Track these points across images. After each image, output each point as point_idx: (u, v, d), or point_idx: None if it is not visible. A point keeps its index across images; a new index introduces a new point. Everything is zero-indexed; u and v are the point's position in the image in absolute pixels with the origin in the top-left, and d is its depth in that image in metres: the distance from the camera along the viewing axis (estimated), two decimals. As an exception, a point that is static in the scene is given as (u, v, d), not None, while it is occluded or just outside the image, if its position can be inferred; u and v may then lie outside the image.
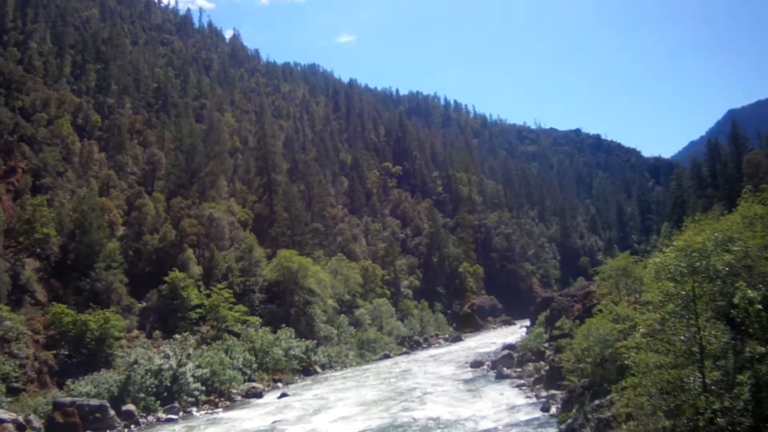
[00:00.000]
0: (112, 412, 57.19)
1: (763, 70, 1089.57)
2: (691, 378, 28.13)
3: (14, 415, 52.02)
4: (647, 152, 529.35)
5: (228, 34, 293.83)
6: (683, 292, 28.55)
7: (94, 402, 56.77)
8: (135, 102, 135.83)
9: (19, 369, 59.10)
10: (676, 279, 29.30)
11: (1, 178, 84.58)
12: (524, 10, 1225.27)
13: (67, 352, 67.00)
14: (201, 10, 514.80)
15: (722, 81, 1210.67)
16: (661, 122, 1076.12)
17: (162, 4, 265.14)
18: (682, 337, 28.83)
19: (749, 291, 27.23)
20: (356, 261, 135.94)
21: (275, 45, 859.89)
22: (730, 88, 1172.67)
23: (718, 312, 29.16)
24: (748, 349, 26.94)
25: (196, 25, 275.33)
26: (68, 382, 61.98)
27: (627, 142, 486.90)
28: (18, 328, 62.17)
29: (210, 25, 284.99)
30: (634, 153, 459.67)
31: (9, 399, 55.58)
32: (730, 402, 25.92)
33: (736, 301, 27.66)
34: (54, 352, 66.02)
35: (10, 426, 50.19)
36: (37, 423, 52.89)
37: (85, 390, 60.00)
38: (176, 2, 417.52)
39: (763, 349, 25.98)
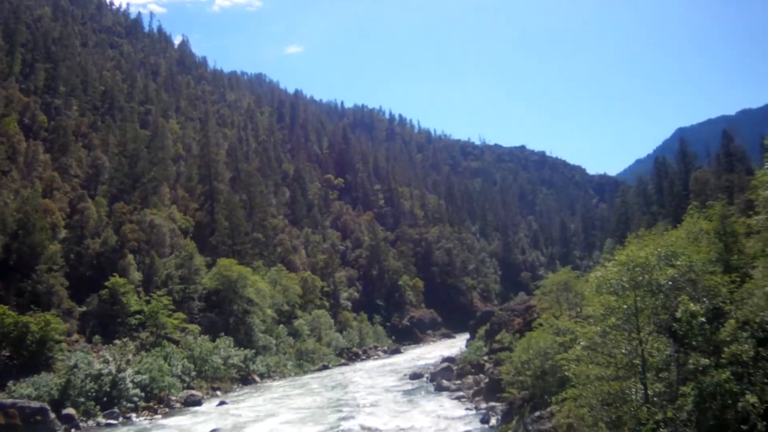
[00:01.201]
0: (52, 415, 56.85)
1: (712, 89, 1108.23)
2: (633, 389, 28.33)
3: (-45, 415, 51.89)
4: (592, 170, 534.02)
5: (177, 40, 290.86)
6: (625, 306, 28.88)
7: (35, 404, 56.46)
8: (82, 104, 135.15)
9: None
10: (617, 293, 29.64)
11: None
12: (471, 26, 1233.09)
13: (8, 354, 66.58)
14: (152, 14, 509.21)
15: (671, 100, 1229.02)
16: (608, 140, 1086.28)
17: (114, 7, 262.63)
18: (624, 350, 29.05)
19: (692, 305, 27.74)
20: (296, 272, 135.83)
21: (224, 52, 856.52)
22: (679, 107, 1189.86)
23: (660, 326, 29.52)
24: (691, 361, 27.32)
25: (146, 29, 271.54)
26: (9, 383, 61.59)
27: (572, 160, 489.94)
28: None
29: (160, 30, 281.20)
30: (578, 170, 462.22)
31: (-50, 399, 55.25)
32: (673, 413, 26.24)
33: (678, 314, 28.12)
34: (-5, 353, 65.71)
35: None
36: (-22, 423, 52.53)
37: (26, 392, 59.85)
38: (128, 5, 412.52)
39: (706, 361, 26.32)
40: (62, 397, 61.44)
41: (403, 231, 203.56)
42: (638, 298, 28.86)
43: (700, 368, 26.42)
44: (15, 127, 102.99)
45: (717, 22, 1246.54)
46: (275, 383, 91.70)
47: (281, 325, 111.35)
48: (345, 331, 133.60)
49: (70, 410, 60.17)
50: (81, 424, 60.06)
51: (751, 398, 24.99)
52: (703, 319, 27.34)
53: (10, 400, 56.24)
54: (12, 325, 66.83)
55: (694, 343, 27.71)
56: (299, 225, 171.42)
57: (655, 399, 27.68)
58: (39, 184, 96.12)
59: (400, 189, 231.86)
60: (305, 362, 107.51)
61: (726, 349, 26.48)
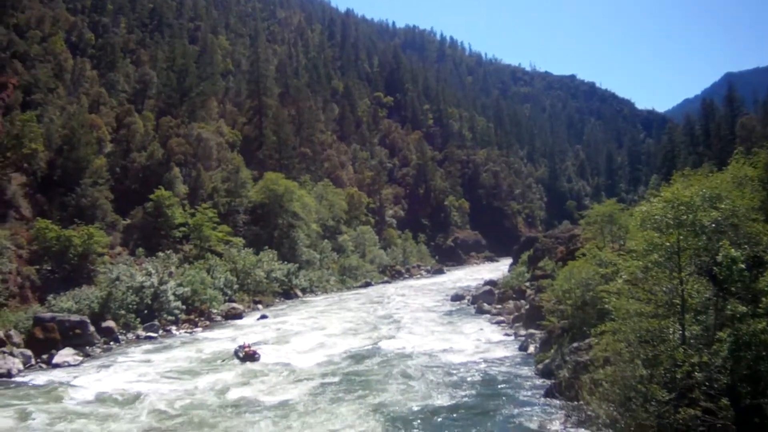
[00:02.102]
0: (92, 328, 56.64)
1: (763, 37, 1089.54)
2: (671, 329, 27.71)
3: (-6, 330, 52.08)
4: (641, 105, 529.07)
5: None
6: (668, 244, 28.27)
7: (75, 318, 56.09)
8: (129, 22, 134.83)
9: (1, 284, 58.82)
10: (661, 229, 28.98)
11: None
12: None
13: (49, 268, 66.46)
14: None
15: (722, 43, 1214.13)
16: (658, 77, 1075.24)
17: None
18: (664, 288, 28.47)
19: (732, 250, 27.09)
20: (342, 187, 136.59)
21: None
22: (730, 52, 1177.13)
23: (701, 267, 28.73)
24: (729, 307, 26.63)
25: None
26: (50, 297, 61.25)
27: (621, 93, 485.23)
28: (2, 242, 61.88)
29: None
30: (627, 104, 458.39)
31: (-10, 314, 55.37)
32: (708, 357, 25.68)
33: (719, 258, 27.52)
34: (37, 267, 65.53)
35: (-10, 341, 50.24)
36: (18, 338, 51.93)
37: (66, 306, 59.39)
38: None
39: (744, 309, 25.52)
40: (102, 310, 61.09)
41: (451, 151, 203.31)
42: (681, 237, 28.17)
43: (738, 315, 25.71)
44: (62, 45, 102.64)
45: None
46: (317, 298, 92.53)
47: (326, 240, 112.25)
48: (389, 248, 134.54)
49: (110, 323, 60.00)
50: (120, 336, 59.94)
51: (785, 354, 24.53)
52: (743, 266, 26.70)
53: (49, 314, 55.86)
54: (54, 239, 67.05)
55: (733, 288, 26.99)
56: (347, 141, 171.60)
57: (691, 341, 27.16)
58: (85, 99, 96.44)
59: (449, 110, 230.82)
60: (348, 278, 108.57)
61: (764, 299, 25.86)
